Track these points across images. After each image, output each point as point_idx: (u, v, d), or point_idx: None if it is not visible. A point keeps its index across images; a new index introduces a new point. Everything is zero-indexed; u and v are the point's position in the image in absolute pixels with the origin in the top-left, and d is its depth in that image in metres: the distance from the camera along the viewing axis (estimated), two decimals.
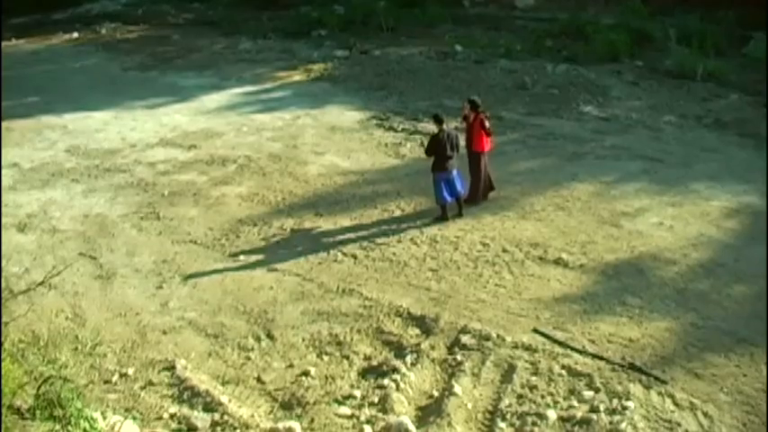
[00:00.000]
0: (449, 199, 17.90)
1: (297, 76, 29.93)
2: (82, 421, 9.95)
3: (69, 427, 9.73)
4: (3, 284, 15.82)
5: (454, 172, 17.93)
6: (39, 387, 10.16)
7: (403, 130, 23.61)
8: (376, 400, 12.29)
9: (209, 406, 12.34)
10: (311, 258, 16.74)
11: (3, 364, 9.97)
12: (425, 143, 19.23)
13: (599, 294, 14.78)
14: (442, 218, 17.94)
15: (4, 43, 37.32)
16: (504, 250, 16.55)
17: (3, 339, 13.19)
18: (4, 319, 14.19)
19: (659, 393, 12.01)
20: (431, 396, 12.36)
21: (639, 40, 30.63)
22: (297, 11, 38.56)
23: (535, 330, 13.72)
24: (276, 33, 36.05)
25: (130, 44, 36.46)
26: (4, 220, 19.14)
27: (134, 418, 11.92)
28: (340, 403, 12.36)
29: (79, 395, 10.61)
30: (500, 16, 36.73)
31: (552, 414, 11.72)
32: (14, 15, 41.88)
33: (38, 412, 9.92)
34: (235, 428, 11.85)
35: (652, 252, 16.23)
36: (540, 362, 12.86)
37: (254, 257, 16.94)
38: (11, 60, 33.90)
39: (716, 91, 25.96)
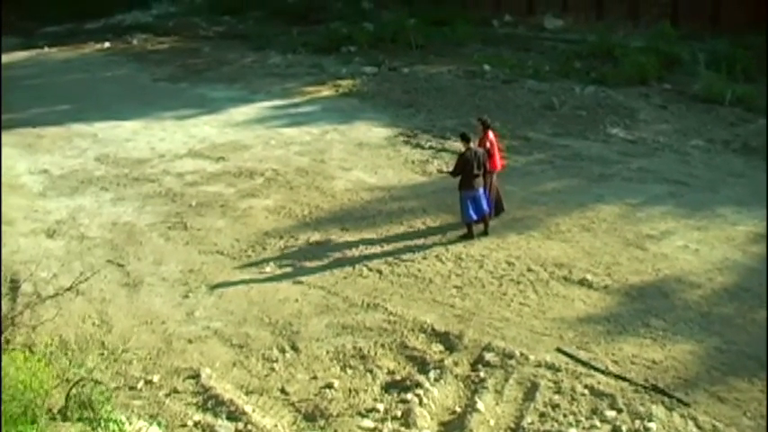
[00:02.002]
0: (474, 217, 17.97)
1: (325, 92, 30.12)
2: (111, 424, 10.07)
3: (99, 430, 9.85)
4: (31, 289, 16.04)
5: (480, 190, 17.99)
6: (70, 389, 10.29)
7: (430, 147, 23.72)
8: (399, 414, 12.34)
9: (233, 415, 12.43)
10: (336, 272, 16.84)
11: (33, 364, 10.11)
12: (450, 163, 19.30)
13: (623, 316, 14.80)
14: (467, 236, 18.01)
15: (36, 51, 37.74)
16: (529, 269, 16.60)
17: (31, 342, 13.37)
18: (32, 323, 14.40)
19: (682, 416, 12.01)
20: (453, 412, 12.41)
21: (668, 64, 30.66)
22: (327, 27, 38.82)
23: (558, 350, 13.76)
24: (306, 48, 36.32)
25: (161, 55, 36.80)
26: (33, 226, 19.41)
27: (159, 424, 12.03)
28: (363, 416, 12.41)
29: (109, 398, 10.73)
30: (529, 37, 36.89)
31: None
32: (48, 24, 42.38)
33: (69, 413, 10.04)
34: None
35: (677, 275, 16.24)
36: (562, 381, 12.89)
37: (279, 270, 17.05)
38: (43, 68, 34.36)
39: (744, 116, 25.94)
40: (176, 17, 44.18)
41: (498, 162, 18.83)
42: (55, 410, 10.11)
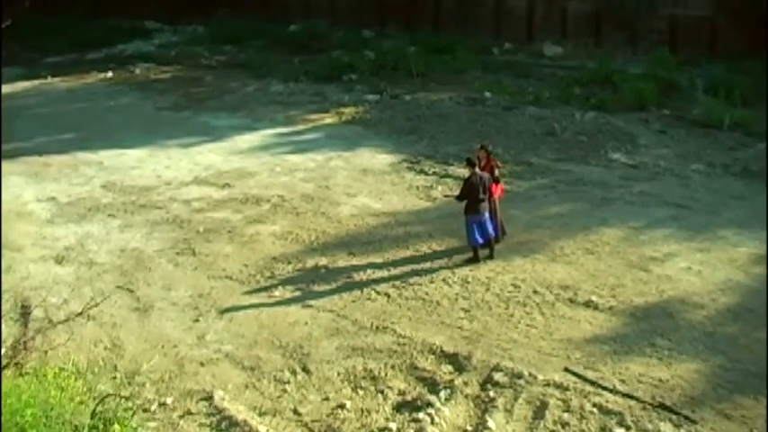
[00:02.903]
0: (480, 241, 18.19)
1: (328, 119, 30.39)
2: None
3: None
4: (42, 314, 16.21)
5: (486, 215, 18.24)
6: (96, 405, 10.47)
7: (434, 173, 23.97)
8: None
9: None
10: (345, 296, 17.03)
11: (64, 381, 10.30)
12: (454, 189, 19.54)
13: (629, 336, 15.02)
14: (473, 259, 18.22)
15: (39, 81, 38.02)
16: (535, 292, 16.82)
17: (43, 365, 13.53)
18: (44, 348, 14.56)
19: None
20: (465, 431, 12.59)
21: (667, 90, 31.02)
22: (328, 55, 39.11)
23: (566, 369, 13.96)
24: (307, 77, 36.58)
25: (164, 84, 37.04)
26: (42, 252, 19.57)
27: None
28: None
29: (134, 413, 10.91)
30: (529, 64, 37.24)
31: None
32: (50, 54, 42.68)
33: (94, 431, 10.23)
34: None
35: (681, 296, 16.48)
36: (571, 400, 13.09)
37: (288, 294, 17.24)
38: (47, 98, 34.61)
39: (743, 140, 26.29)
40: (178, 46, 44.43)
41: (497, 189, 19.05)
42: (81, 428, 10.29)
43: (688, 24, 36.13)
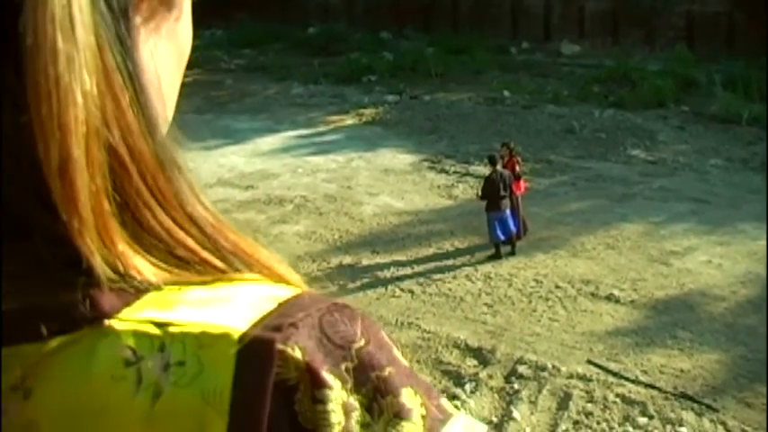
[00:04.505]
0: (502, 238, 18.43)
1: (349, 121, 30.67)
2: None
3: None
4: None
5: (507, 212, 18.47)
6: None
7: (455, 172, 24.22)
8: None
9: None
10: (369, 293, 17.30)
11: None
12: (477, 187, 19.81)
13: (650, 328, 15.23)
14: (495, 256, 18.46)
15: None
16: (557, 287, 17.05)
17: None
18: None
19: (711, 421, 12.43)
20: (490, 422, 12.81)
21: (685, 86, 31.14)
22: (347, 57, 39.34)
23: (589, 361, 14.19)
24: (327, 79, 36.85)
25: (185, 88, 35.14)
26: None
27: None
28: None
29: None
30: (547, 63, 37.40)
31: None
32: None
33: None
34: None
35: (701, 289, 16.68)
36: (594, 391, 13.32)
37: (314, 291, 17.46)
38: None
39: (761, 135, 26.36)
40: (198, 50, 44.07)
41: (519, 186, 19.31)
42: None
43: (705, 20, 36.27)
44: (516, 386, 13.58)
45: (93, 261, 0.97)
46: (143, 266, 1.02)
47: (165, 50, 1.20)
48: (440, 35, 41.02)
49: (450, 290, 17.17)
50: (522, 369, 14.01)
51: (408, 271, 18.15)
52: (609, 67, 34.12)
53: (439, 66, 36.21)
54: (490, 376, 13.93)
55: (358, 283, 17.73)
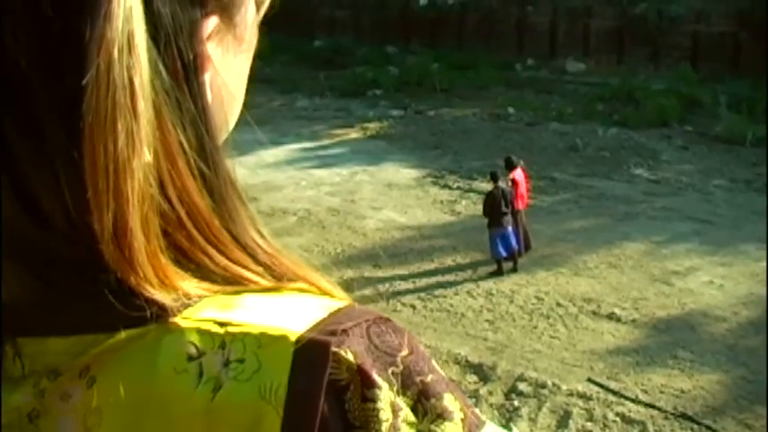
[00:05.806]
0: (504, 254, 18.44)
1: (353, 134, 30.72)
2: None
3: None
4: None
5: (509, 228, 18.48)
6: None
7: (458, 188, 24.26)
8: None
9: None
10: (371, 307, 17.22)
11: None
12: (479, 202, 19.84)
13: (651, 348, 15.23)
14: (497, 272, 18.46)
15: None
16: (559, 304, 17.06)
17: None
18: None
19: None
20: None
21: (689, 106, 31.21)
22: (352, 71, 39.46)
23: (589, 380, 14.19)
24: (332, 92, 36.97)
25: None
26: None
27: None
28: None
29: None
30: (551, 80, 37.50)
31: None
32: None
33: None
34: None
35: (703, 309, 16.68)
36: (594, 409, 13.31)
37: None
38: None
39: (765, 156, 26.37)
40: None
41: (520, 200, 19.34)
42: None
43: (711, 40, 36.36)
44: (516, 403, 13.59)
45: (156, 296, 1.03)
46: (201, 292, 1.08)
47: (233, 68, 1.23)
48: (445, 51, 41.14)
49: (451, 305, 17.18)
50: (522, 386, 14.01)
51: (410, 286, 18.17)
52: (613, 86, 34.20)
53: (444, 81, 36.32)
54: (490, 393, 13.93)
55: (359, 298, 17.57)
